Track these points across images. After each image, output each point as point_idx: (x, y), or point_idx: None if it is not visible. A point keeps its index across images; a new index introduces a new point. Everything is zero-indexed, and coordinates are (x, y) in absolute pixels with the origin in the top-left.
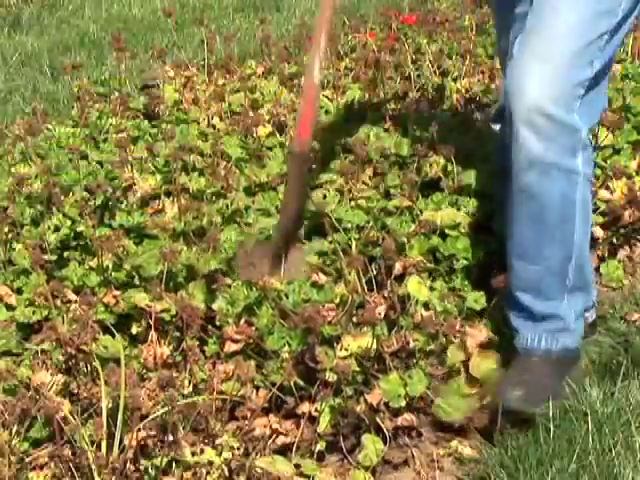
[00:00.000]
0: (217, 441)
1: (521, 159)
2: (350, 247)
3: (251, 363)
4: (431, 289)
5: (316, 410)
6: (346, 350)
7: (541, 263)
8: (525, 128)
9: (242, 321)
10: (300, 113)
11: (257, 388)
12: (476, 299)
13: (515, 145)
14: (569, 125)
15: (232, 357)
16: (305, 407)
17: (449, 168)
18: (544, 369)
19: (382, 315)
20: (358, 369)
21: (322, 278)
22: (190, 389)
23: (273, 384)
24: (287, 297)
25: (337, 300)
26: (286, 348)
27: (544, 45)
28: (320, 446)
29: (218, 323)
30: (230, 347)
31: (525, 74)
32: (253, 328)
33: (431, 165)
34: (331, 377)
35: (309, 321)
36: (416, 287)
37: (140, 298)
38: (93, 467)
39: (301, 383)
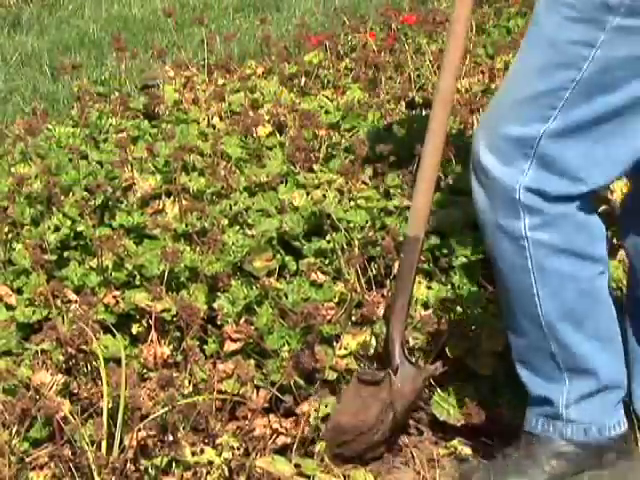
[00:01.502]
0: (217, 441)
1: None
2: (350, 247)
3: (251, 362)
4: (429, 288)
5: (315, 410)
6: (345, 349)
7: (523, 336)
8: (473, 177)
9: (242, 320)
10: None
11: (257, 388)
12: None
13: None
14: (502, 181)
15: (232, 356)
16: (305, 407)
17: (449, 168)
18: (541, 458)
19: (381, 313)
20: (357, 368)
21: (321, 277)
22: (190, 389)
23: (273, 384)
24: (286, 297)
25: (336, 299)
26: (286, 347)
27: (499, 90)
28: (320, 446)
29: (219, 322)
30: (230, 346)
31: (480, 119)
32: (253, 327)
33: None
34: (330, 375)
35: (308, 318)
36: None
37: (141, 298)
38: (93, 467)
39: (301, 383)
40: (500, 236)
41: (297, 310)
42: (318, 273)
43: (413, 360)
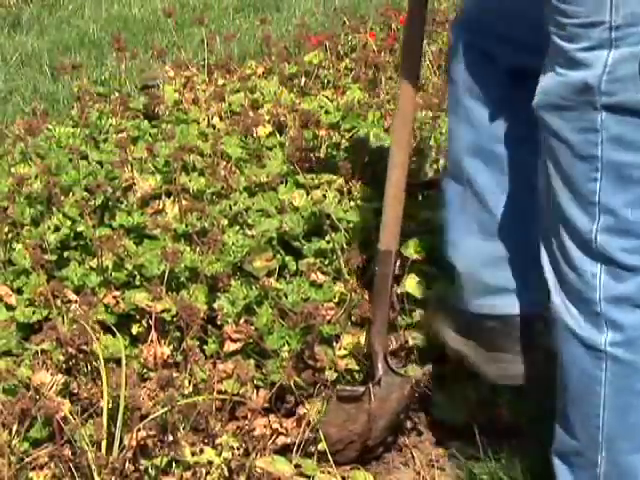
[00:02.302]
0: (217, 441)
1: None
2: (350, 247)
3: (251, 362)
4: (429, 288)
5: (318, 412)
6: (345, 349)
7: (572, 436)
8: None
9: (242, 320)
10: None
11: (257, 388)
12: None
13: None
14: (581, 294)
15: (232, 356)
16: (304, 410)
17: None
18: None
19: None
20: (357, 368)
21: (321, 277)
22: (190, 389)
23: (273, 384)
24: (286, 297)
25: (336, 299)
26: (286, 347)
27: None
28: (320, 446)
29: (219, 322)
30: (230, 347)
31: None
32: (253, 327)
33: (431, 165)
34: (331, 376)
35: (308, 318)
36: (414, 286)
37: (141, 298)
38: (93, 467)
39: (301, 383)
40: (574, 342)
41: (297, 310)
42: (318, 273)
43: (403, 365)
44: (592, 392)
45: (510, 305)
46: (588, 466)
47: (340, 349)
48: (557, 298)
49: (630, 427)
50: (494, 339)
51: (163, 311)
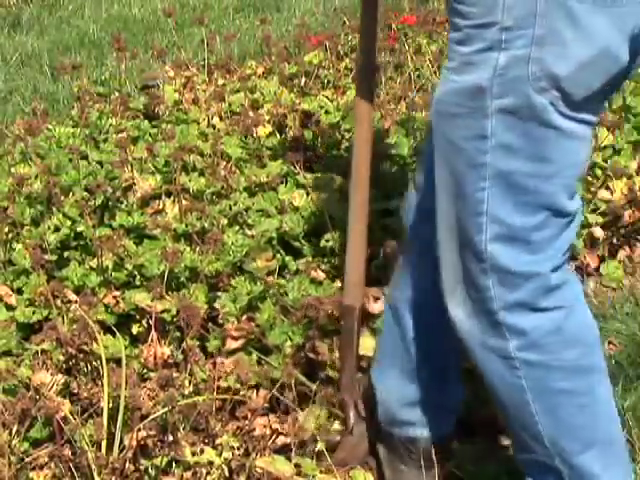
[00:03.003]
0: (217, 441)
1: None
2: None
3: (253, 358)
4: None
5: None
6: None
7: (527, 451)
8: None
9: (244, 317)
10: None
11: (257, 387)
12: None
13: None
14: (481, 308)
15: (233, 354)
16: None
17: None
18: None
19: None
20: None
21: (321, 275)
22: (190, 389)
23: (273, 382)
24: (287, 294)
25: (336, 296)
26: (288, 343)
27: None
28: (320, 446)
29: (221, 321)
30: (231, 344)
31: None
32: (254, 324)
33: None
34: (331, 372)
35: (309, 309)
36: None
37: (141, 298)
38: (93, 467)
39: (302, 379)
40: (491, 357)
41: (298, 306)
42: (318, 271)
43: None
44: (521, 401)
45: (419, 431)
46: (553, 474)
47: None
48: (462, 319)
49: (568, 426)
50: (397, 452)
51: (163, 311)
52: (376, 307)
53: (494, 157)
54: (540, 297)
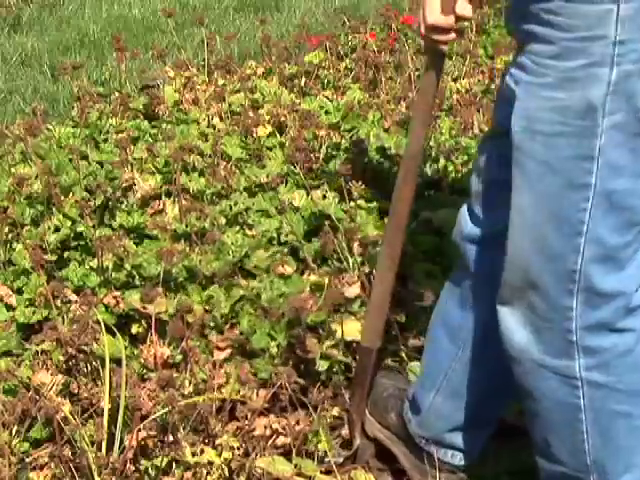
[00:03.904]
0: (217, 441)
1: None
2: (349, 247)
3: (245, 365)
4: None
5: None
6: (333, 338)
7: (559, 464)
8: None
9: (227, 326)
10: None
11: (257, 388)
12: None
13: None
14: (554, 325)
15: (223, 363)
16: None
17: (449, 168)
18: None
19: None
20: (345, 359)
21: (288, 269)
22: (190, 389)
23: (272, 384)
24: (259, 296)
25: (307, 289)
26: (273, 343)
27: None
28: (320, 446)
29: (205, 333)
30: (219, 355)
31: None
32: (237, 331)
33: (431, 165)
34: (322, 366)
35: (299, 312)
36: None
37: (137, 299)
38: (93, 467)
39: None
40: (547, 375)
41: (275, 306)
42: (286, 266)
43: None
44: (573, 419)
45: (458, 457)
46: None
47: (329, 338)
48: (521, 336)
49: (617, 448)
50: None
51: (160, 313)
52: (352, 291)
53: (600, 177)
54: (621, 317)
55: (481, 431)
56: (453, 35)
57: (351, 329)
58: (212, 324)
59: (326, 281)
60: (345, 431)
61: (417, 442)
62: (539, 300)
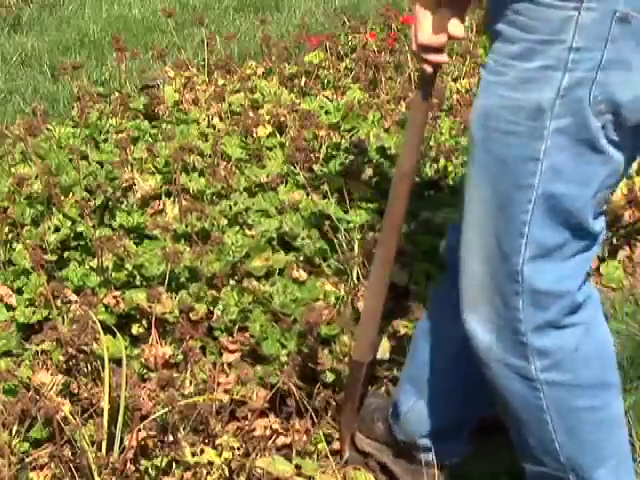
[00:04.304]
0: (217, 441)
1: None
2: (350, 247)
3: (251, 369)
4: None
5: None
6: (345, 346)
7: (539, 465)
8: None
9: (236, 327)
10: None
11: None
12: None
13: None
14: (507, 327)
15: (231, 367)
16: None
17: (449, 168)
18: None
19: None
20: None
21: (302, 275)
22: (191, 389)
23: (273, 386)
24: (272, 299)
25: (321, 297)
26: (284, 351)
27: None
28: (320, 446)
29: (216, 334)
30: (228, 358)
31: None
32: (248, 334)
33: (431, 165)
34: (329, 377)
35: (313, 325)
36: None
37: (141, 298)
38: (93, 467)
39: (301, 384)
40: (511, 375)
41: (288, 312)
42: (300, 271)
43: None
44: (539, 419)
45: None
46: None
47: (340, 350)
48: (483, 335)
49: (586, 443)
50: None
51: (164, 313)
52: None
53: (543, 179)
54: (566, 315)
55: (462, 433)
56: (445, 58)
57: None
58: (222, 326)
59: (342, 294)
60: (336, 445)
61: (402, 446)
62: (497, 299)
